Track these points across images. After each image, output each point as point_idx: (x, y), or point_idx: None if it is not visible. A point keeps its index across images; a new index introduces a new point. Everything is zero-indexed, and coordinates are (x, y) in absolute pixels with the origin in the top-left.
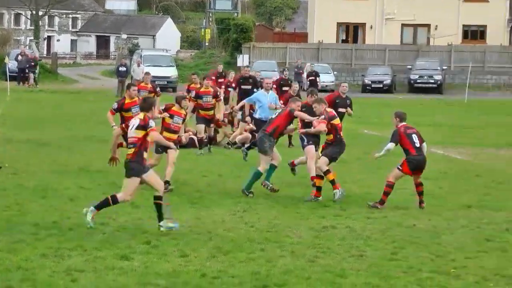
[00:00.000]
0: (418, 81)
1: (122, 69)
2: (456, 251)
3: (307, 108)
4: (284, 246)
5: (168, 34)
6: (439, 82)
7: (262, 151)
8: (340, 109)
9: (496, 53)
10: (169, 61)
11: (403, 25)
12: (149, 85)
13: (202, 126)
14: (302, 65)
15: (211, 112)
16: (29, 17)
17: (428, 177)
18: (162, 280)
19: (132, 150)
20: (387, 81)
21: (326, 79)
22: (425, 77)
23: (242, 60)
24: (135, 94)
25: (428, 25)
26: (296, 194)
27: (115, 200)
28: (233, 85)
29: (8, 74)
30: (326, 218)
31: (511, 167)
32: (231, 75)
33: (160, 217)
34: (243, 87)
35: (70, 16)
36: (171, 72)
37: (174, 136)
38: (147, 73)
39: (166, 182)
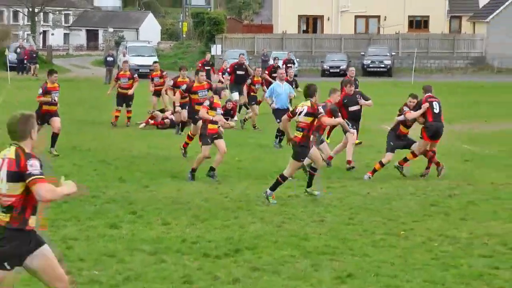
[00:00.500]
0: (370, 65)
1: (110, 59)
2: (405, 215)
3: (349, 99)
4: (254, 214)
5: (150, 28)
6: (388, 66)
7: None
8: None
9: (438, 40)
10: (151, 51)
11: (356, 16)
12: (128, 72)
13: (184, 111)
14: (268, 53)
15: (187, 99)
16: (26, 13)
17: (381, 150)
18: (147, 246)
19: (301, 134)
20: (343, 66)
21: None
22: (376, 62)
23: (216, 49)
24: (203, 79)
25: (378, 17)
26: (265, 167)
27: (284, 178)
28: (229, 70)
29: (8, 64)
30: (291, 188)
31: (451, 141)
32: (226, 64)
33: (309, 184)
34: (238, 72)
35: (63, 12)
36: (153, 61)
37: (216, 127)
38: (125, 62)
39: (212, 169)
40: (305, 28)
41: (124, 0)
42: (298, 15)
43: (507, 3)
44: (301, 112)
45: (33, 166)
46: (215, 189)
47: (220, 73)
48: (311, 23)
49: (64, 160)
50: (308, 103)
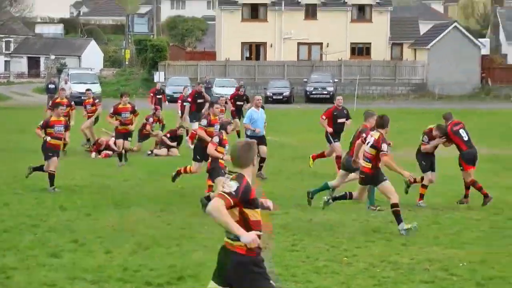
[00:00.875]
0: (313, 92)
1: (51, 86)
2: (348, 242)
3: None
4: (197, 241)
5: (92, 55)
6: (331, 93)
7: (353, 170)
8: (340, 120)
9: (380, 67)
10: (93, 78)
11: (299, 43)
12: (65, 100)
13: (121, 141)
14: (211, 80)
15: (129, 127)
16: None
17: (323, 176)
18: (89, 275)
19: (370, 165)
20: (286, 93)
21: (233, 91)
22: (319, 89)
23: (159, 76)
24: (218, 112)
25: (320, 43)
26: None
27: (394, 205)
28: (189, 99)
29: None
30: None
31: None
32: (186, 91)
33: (399, 221)
34: (198, 101)
35: (4, 39)
36: (95, 88)
37: (223, 161)
38: (62, 89)
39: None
40: (248, 55)
41: (66, 28)
42: (241, 42)
43: (447, 30)
44: (368, 143)
45: (225, 187)
46: (157, 217)
47: (180, 101)
48: (254, 50)
49: (5, 188)
50: (377, 135)
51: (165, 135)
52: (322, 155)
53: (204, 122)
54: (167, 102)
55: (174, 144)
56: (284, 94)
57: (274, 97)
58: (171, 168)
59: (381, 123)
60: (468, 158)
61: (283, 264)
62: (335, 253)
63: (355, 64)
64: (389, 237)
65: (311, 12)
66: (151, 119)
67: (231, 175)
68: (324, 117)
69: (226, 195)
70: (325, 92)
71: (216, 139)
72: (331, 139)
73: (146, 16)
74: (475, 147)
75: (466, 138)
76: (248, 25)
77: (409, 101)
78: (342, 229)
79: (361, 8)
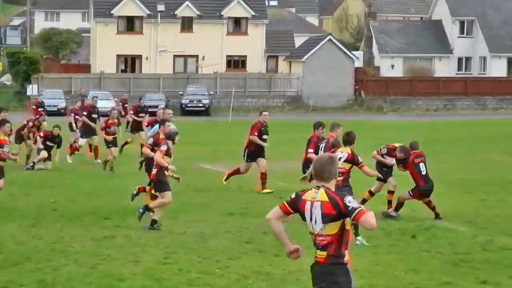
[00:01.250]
0: (189, 105)
1: None
2: (221, 253)
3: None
4: (68, 256)
5: None
6: (207, 105)
7: None
8: (265, 136)
9: (255, 79)
10: None
11: (175, 56)
12: None
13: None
14: (86, 93)
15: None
16: None
17: (198, 188)
18: None
19: (341, 178)
20: (161, 105)
21: (107, 104)
22: (195, 102)
23: (32, 89)
24: (169, 130)
25: (196, 56)
26: (80, 208)
27: None
28: (85, 113)
29: None
30: (107, 229)
31: (269, 179)
32: (78, 105)
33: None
34: (92, 116)
35: None
36: None
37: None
38: None
39: (154, 222)
40: (123, 68)
41: None
42: (117, 55)
43: (322, 43)
44: (340, 158)
45: (351, 201)
46: (28, 232)
47: (73, 114)
48: (130, 63)
49: None
50: (348, 150)
51: (39, 135)
52: (237, 172)
53: (150, 140)
54: (46, 115)
55: (52, 145)
56: (159, 106)
57: (149, 109)
58: (44, 182)
59: (349, 139)
60: (423, 193)
61: (156, 277)
62: (207, 265)
63: (230, 77)
64: (262, 248)
65: (187, 24)
66: (31, 123)
67: (319, 189)
68: (256, 132)
69: (362, 207)
70: (201, 105)
71: (164, 147)
72: (245, 157)
73: (19, 28)
74: (431, 180)
75: (424, 173)
76: (123, 37)
77: (284, 113)
78: (215, 241)
79: (237, 21)
